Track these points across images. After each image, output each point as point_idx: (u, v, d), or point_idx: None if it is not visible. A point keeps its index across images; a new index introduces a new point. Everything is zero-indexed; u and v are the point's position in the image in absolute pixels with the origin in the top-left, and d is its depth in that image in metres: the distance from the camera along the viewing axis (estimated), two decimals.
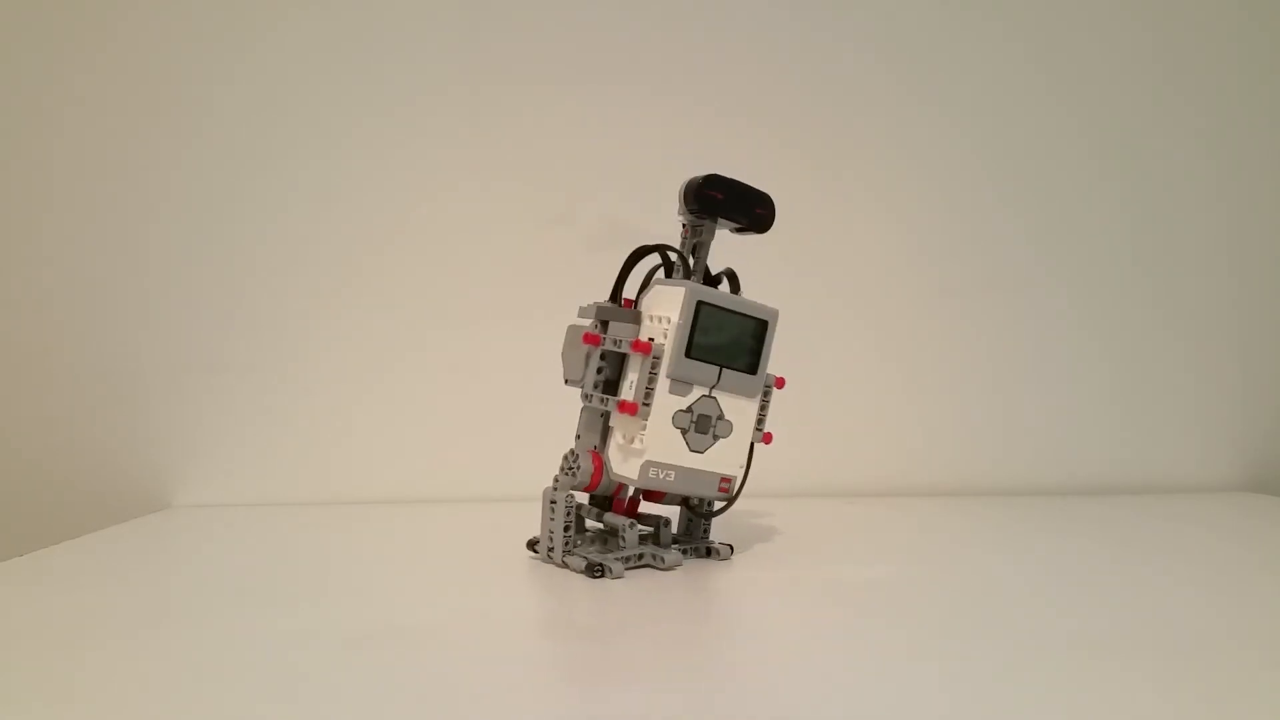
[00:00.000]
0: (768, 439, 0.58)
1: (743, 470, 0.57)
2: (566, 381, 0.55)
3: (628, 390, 0.53)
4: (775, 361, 0.87)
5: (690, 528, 0.60)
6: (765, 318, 0.56)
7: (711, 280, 0.57)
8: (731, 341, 0.55)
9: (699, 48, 0.85)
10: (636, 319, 0.54)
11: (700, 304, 0.52)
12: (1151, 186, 0.90)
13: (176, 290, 0.80)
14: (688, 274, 0.56)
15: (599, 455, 0.55)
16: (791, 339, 0.87)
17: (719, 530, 0.63)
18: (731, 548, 0.60)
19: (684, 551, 0.58)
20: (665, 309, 0.53)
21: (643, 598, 0.50)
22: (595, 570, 0.53)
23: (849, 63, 0.86)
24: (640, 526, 0.58)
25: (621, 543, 0.56)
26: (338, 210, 0.82)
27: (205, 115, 0.80)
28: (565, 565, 0.55)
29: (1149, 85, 0.90)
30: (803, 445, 0.87)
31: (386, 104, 0.82)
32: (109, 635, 0.43)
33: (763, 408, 0.58)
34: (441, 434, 0.82)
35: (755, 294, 0.87)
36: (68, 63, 0.79)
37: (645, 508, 0.60)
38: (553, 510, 0.55)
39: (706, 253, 0.57)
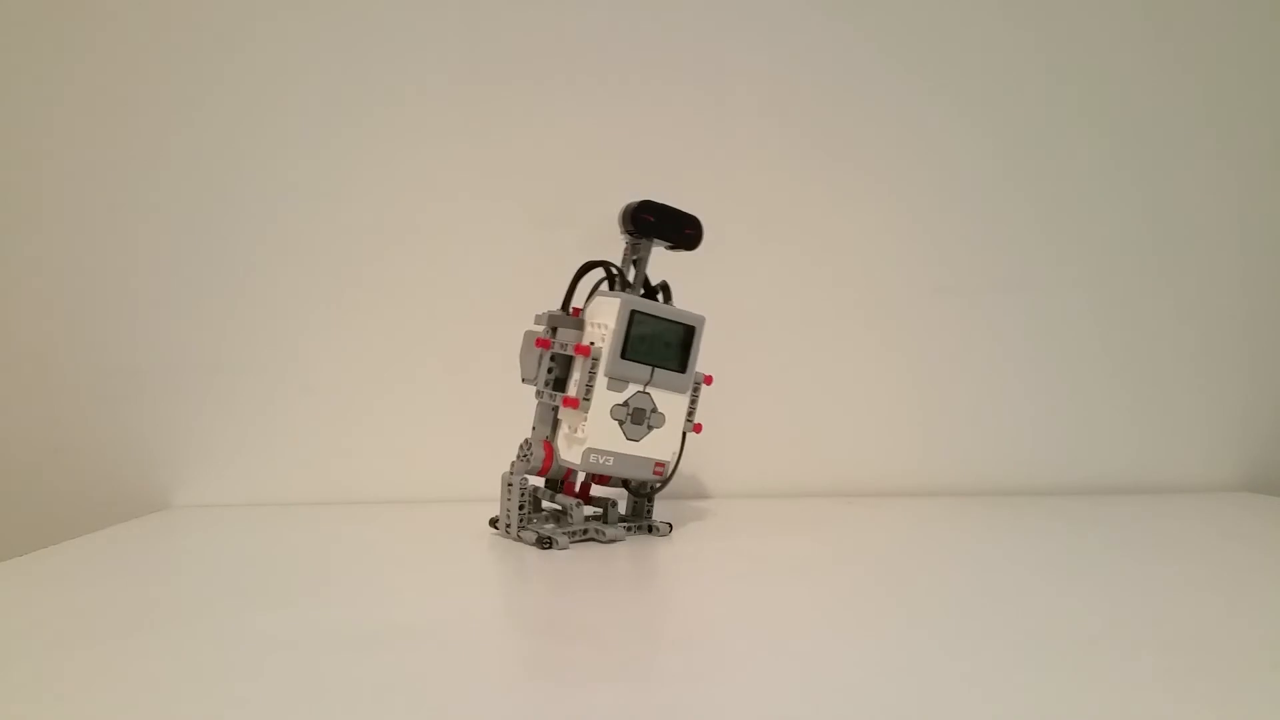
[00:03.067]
0: (698, 429, 0.66)
1: (675, 456, 0.64)
2: (524, 380, 0.63)
3: (573, 387, 0.61)
4: (775, 356, 0.87)
5: (635, 508, 0.67)
6: (693, 323, 0.64)
7: (651, 291, 0.65)
8: (663, 344, 0.63)
9: (699, 42, 0.85)
10: (581, 326, 0.63)
11: (634, 312, 0.60)
12: (1159, 185, 0.90)
13: (176, 290, 0.80)
14: (625, 286, 0.63)
15: (550, 444, 0.63)
16: (792, 336, 0.87)
17: (702, 520, 0.63)
18: (670, 525, 0.66)
19: (628, 528, 0.65)
20: (604, 317, 0.61)
21: (625, 594, 0.50)
22: (544, 543, 0.61)
23: (852, 53, 0.86)
24: (588, 507, 0.66)
25: (569, 520, 0.63)
26: (337, 210, 0.82)
27: (205, 114, 0.80)
28: (520, 539, 0.63)
29: (1159, 78, 0.89)
30: (803, 445, 0.87)
31: (387, 104, 0.82)
32: (109, 635, 0.43)
33: (693, 401, 0.65)
34: (441, 434, 0.82)
35: (760, 290, 0.87)
36: (64, 61, 0.79)
37: (595, 490, 0.68)
38: (509, 492, 0.63)
39: (645, 266, 0.64)
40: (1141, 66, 0.89)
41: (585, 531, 0.63)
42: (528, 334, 0.64)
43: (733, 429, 0.85)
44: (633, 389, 0.62)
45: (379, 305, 0.82)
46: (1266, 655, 0.41)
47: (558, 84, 0.83)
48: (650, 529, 0.66)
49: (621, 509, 0.67)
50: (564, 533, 0.62)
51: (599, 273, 0.64)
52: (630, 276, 0.64)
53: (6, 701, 0.35)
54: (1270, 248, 0.92)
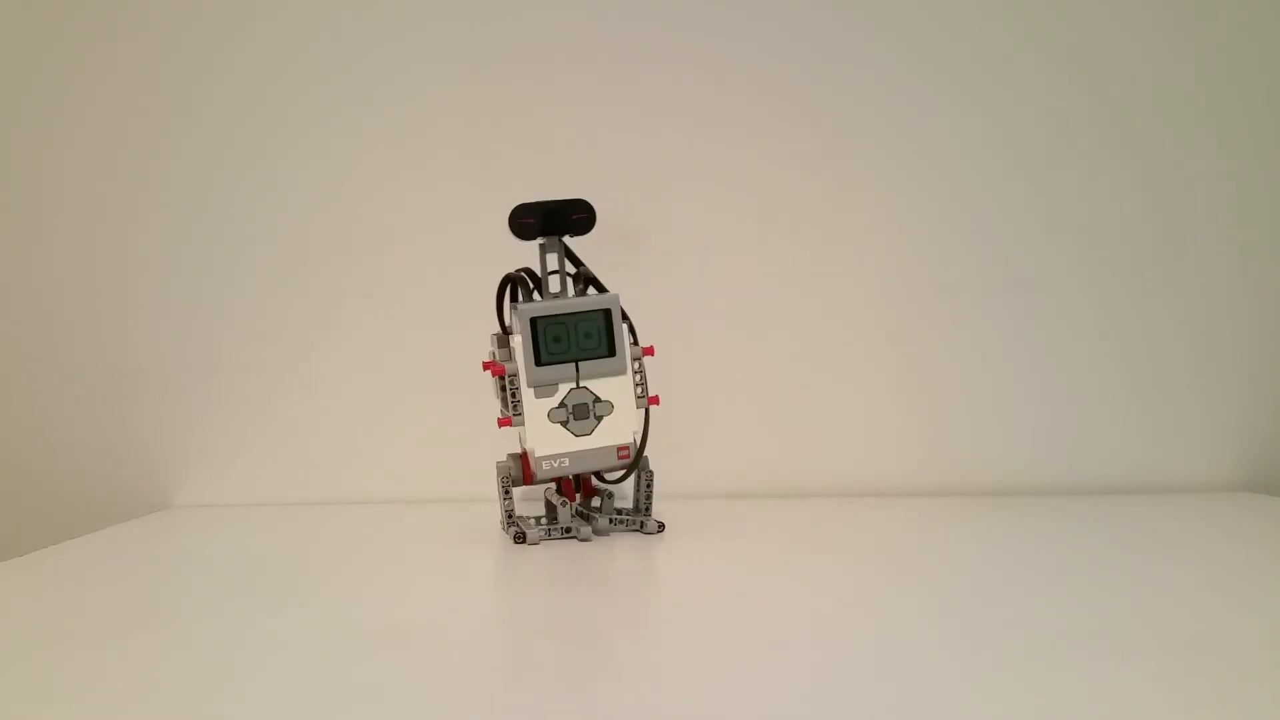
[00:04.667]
0: (654, 401, 0.65)
1: (637, 435, 0.65)
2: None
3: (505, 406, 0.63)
4: (775, 356, 0.87)
5: (638, 504, 0.68)
6: (606, 306, 0.64)
7: (589, 283, 0.66)
8: (582, 336, 0.63)
9: (700, 41, 0.84)
10: (508, 343, 0.65)
11: (534, 320, 0.62)
12: (1160, 185, 0.90)
13: (176, 290, 0.80)
14: (529, 292, 0.65)
15: (525, 457, 0.65)
16: (792, 335, 0.87)
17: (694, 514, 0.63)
18: (662, 524, 0.66)
19: (613, 521, 0.66)
20: (516, 330, 0.63)
21: (624, 594, 0.50)
22: (519, 539, 0.63)
23: (854, 51, 0.86)
24: (592, 500, 0.68)
25: (557, 517, 0.65)
26: (338, 210, 0.82)
27: (206, 113, 0.80)
28: (506, 532, 0.65)
29: (1162, 78, 0.89)
30: (803, 445, 0.87)
31: (388, 102, 0.82)
32: (109, 635, 0.43)
33: (638, 377, 0.65)
34: (442, 434, 0.82)
35: (760, 289, 0.87)
36: (62, 60, 0.79)
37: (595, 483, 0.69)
38: (500, 489, 0.67)
39: (562, 261, 0.65)
40: (1144, 67, 0.89)
41: (568, 530, 0.64)
42: (488, 358, 0.67)
43: (732, 428, 0.85)
44: (565, 388, 0.63)
45: (380, 305, 0.82)
46: (1267, 655, 0.41)
47: (559, 84, 0.83)
48: (640, 525, 0.66)
49: (615, 503, 0.68)
50: (542, 530, 0.64)
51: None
52: (558, 272, 0.65)
53: (6, 701, 0.35)
54: (1272, 248, 0.92)
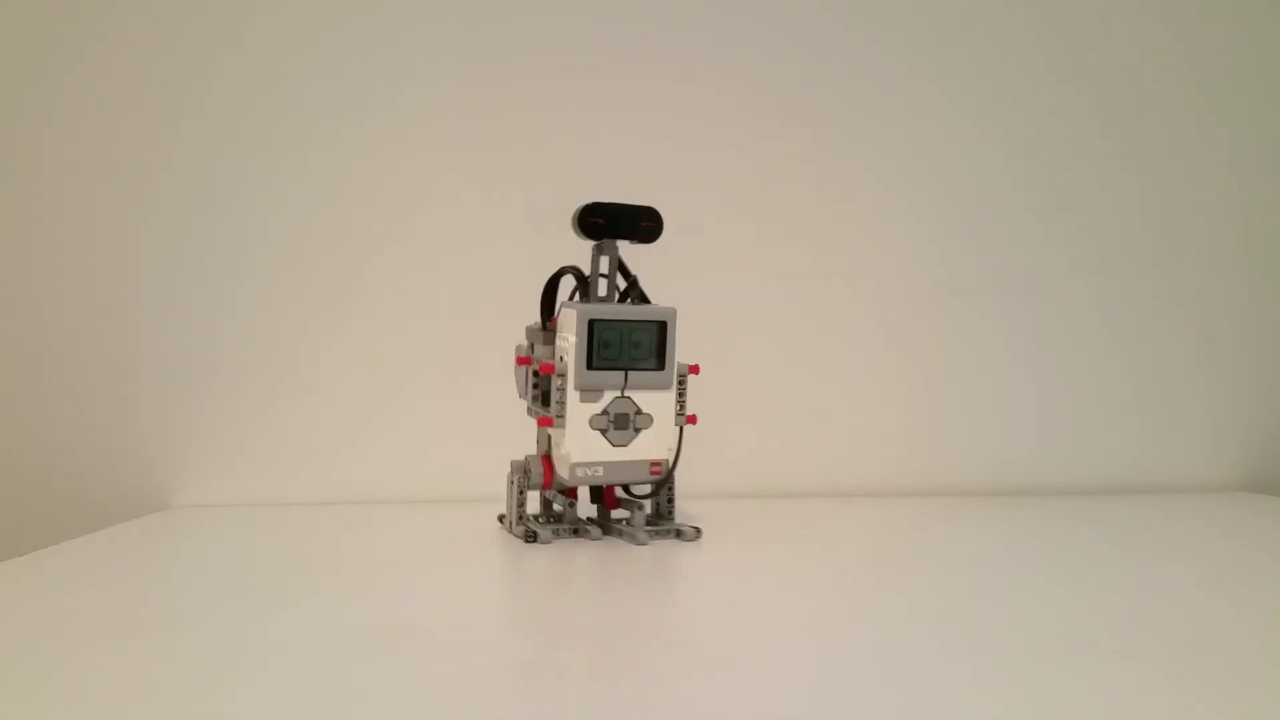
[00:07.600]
0: (692, 420, 0.64)
1: (672, 453, 0.64)
2: (520, 396, 0.64)
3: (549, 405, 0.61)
4: (775, 356, 0.87)
5: (660, 510, 0.67)
6: (663, 319, 0.62)
7: (631, 287, 0.64)
8: (632, 346, 0.61)
9: (701, 40, 0.85)
10: (552, 340, 0.62)
11: (592, 322, 0.60)
12: (1161, 186, 0.90)
13: (176, 289, 0.80)
14: (585, 292, 0.63)
15: (548, 459, 0.63)
16: (793, 335, 0.87)
17: (712, 521, 0.63)
18: (698, 529, 0.65)
19: (650, 533, 0.63)
20: (567, 330, 0.61)
21: (625, 595, 0.50)
22: (530, 537, 0.62)
23: (856, 50, 0.86)
24: (619, 510, 0.66)
25: (563, 518, 0.65)
26: (338, 210, 0.81)
27: (205, 113, 0.80)
28: (514, 533, 0.64)
29: (1163, 78, 0.89)
30: (803, 445, 0.87)
31: (387, 103, 0.82)
32: (109, 635, 0.43)
33: (681, 394, 0.64)
34: (442, 433, 0.82)
35: (761, 288, 0.87)
36: (57, 58, 0.79)
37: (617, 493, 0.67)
38: (510, 489, 0.65)
39: (616, 265, 0.63)
40: (1145, 66, 0.89)
41: (576, 531, 0.64)
42: (518, 349, 0.65)
43: (733, 429, 0.85)
44: (610, 396, 0.61)
45: (379, 304, 0.82)
46: (1267, 654, 0.41)
47: (558, 82, 0.83)
48: (677, 533, 0.65)
49: (647, 510, 0.66)
50: (552, 529, 0.63)
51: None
52: (608, 277, 0.63)
53: (6, 701, 0.35)
54: (1272, 248, 0.92)
